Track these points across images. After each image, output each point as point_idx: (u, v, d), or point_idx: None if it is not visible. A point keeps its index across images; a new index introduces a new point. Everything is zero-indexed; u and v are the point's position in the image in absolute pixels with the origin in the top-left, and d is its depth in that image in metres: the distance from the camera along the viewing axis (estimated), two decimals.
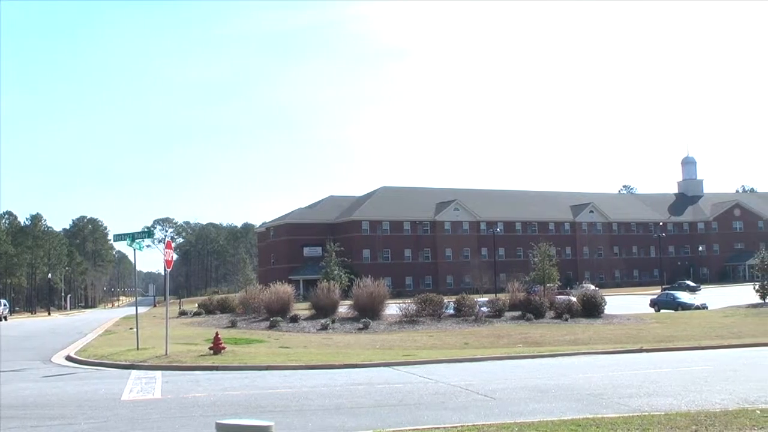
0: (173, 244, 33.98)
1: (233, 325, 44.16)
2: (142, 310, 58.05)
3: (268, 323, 42.76)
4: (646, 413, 14.75)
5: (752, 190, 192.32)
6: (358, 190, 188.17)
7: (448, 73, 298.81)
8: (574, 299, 48.86)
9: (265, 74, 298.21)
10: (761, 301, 57.14)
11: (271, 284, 48.95)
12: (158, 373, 23.24)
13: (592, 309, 46.49)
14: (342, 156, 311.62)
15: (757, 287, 59.78)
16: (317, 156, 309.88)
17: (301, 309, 47.56)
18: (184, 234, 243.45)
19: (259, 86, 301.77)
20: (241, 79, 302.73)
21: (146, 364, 25.49)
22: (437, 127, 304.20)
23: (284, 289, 46.92)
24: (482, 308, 45.98)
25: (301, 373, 23.52)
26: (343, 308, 46.96)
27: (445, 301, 47.20)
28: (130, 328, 41.09)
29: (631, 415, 14.58)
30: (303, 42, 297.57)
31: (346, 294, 52.20)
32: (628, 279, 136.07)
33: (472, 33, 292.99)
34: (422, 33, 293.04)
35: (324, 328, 41.18)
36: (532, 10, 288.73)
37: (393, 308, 46.15)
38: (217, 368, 24.64)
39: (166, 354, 27.48)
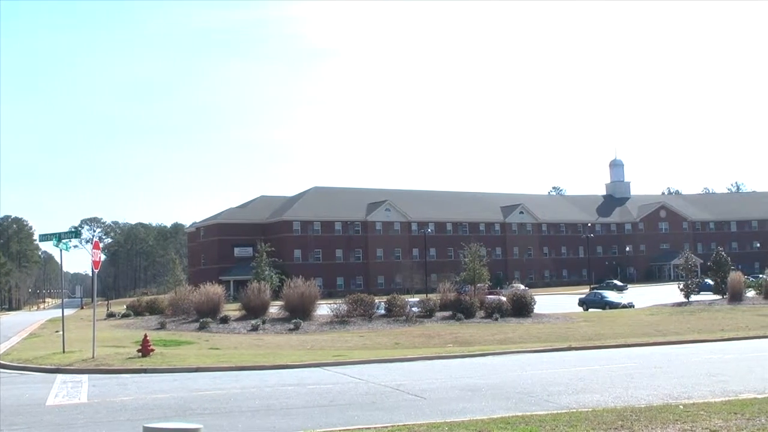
0: (101, 245, 33.40)
1: (162, 326, 43.63)
2: (68, 312, 57.09)
3: (198, 324, 42.34)
4: (574, 410, 15.01)
5: (677, 192, 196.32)
6: (290, 191, 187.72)
7: (379, 73, 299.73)
8: (504, 299, 49.31)
9: (196, 73, 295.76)
10: (685, 300, 58.43)
11: (201, 285, 48.41)
12: (85, 377, 22.85)
13: (521, 308, 46.98)
14: (273, 156, 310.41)
15: (681, 286, 61.19)
16: (249, 156, 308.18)
17: (232, 310, 47.20)
18: (112, 234, 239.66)
19: (189, 85, 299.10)
20: (171, 78, 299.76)
21: (72, 367, 25.03)
22: (369, 128, 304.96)
23: (214, 289, 46.49)
24: (413, 308, 46.11)
25: (232, 375, 23.36)
26: (274, 309, 46.71)
27: (376, 301, 47.25)
28: (57, 331, 40.30)
29: (559, 412, 14.81)
30: (234, 41, 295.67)
31: (277, 294, 51.90)
32: (558, 279, 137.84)
33: (402, 33, 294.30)
34: (352, 33, 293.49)
35: (254, 328, 40.92)
36: (459, 10, 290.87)
37: (324, 309, 46.06)
38: (145, 371, 24.34)
39: (93, 357, 27.02)
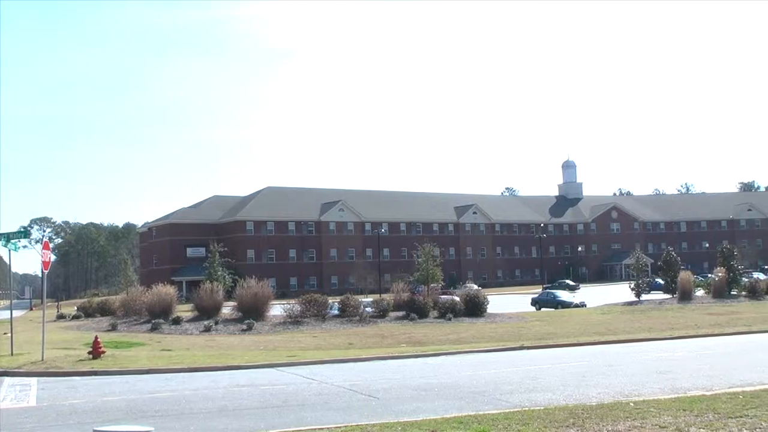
0: (51, 245, 33.01)
1: (114, 328, 43.11)
2: (17, 313, 56.10)
3: (149, 326, 41.93)
4: (527, 408, 15.12)
5: (629, 193, 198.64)
6: (243, 191, 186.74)
7: (334, 73, 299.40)
8: (457, 299, 49.49)
9: (149, 72, 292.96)
10: (636, 299, 59.14)
11: (153, 286, 47.97)
12: (33, 380, 22.51)
13: (475, 308, 47.18)
14: (227, 156, 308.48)
15: (632, 286, 61.94)
16: (202, 155, 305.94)
17: (184, 311, 46.85)
18: (62, 234, 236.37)
19: (143, 84, 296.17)
20: (123, 76, 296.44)
21: (21, 370, 24.59)
22: (323, 128, 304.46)
23: (166, 290, 46.10)
24: (367, 308, 46.11)
25: (184, 376, 23.18)
26: (227, 309, 46.44)
27: (330, 301, 47.20)
28: (4, 333, 39.53)
29: (512, 410, 14.91)
30: (188, 41, 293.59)
31: (230, 295, 51.59)
32: (511, 278, 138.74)
33: (357, 34, 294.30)
34: (307, 34, 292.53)
35: (207, 329, 40.63)
36: (414, 11, 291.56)
37: (277, 309, 45.91)
38: (96, 373, 24.04)
39: (43, 359, 26.63)
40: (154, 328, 41.16)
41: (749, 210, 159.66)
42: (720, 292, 59.36)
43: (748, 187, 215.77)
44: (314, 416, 15.38)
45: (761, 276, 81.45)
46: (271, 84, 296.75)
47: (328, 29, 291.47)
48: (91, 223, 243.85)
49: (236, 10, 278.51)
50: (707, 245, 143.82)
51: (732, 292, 60.25)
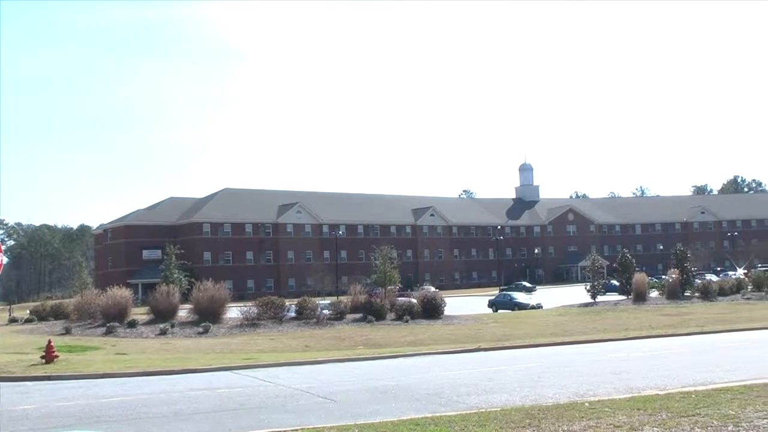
0: (3, 247, 32.48)
1: (68, 332, 42.54)
2: None
3: (104, 329, 41.49)
4: (483, 410, 15.20)
5: (585, 196, 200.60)
6: (200, 192, 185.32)
7: (291, 74, 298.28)
8: (414, 301, 49.60)
9: (103, 71, 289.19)
10: (592, 301, 59.75)
11: (108, 288, 47.48)
12: None
13: (432, 310, 47.33)
14: (183, 157, 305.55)
15: (588, 287, 62.55)
16: (157, 156, 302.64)
17: (140, 314, 46.46)
18: (15, 236, 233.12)
19: (96, 83, 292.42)
20: (77, 75, 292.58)
21: None
22: (281, 130, 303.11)
23: (122, 293, 45.65)
24: (324, 311, 46.08)
25: (139, 380, 22.98)
26: (183, 312, 46.15)
27: (287, 303, 47.11)
28: None
29: (468, 412, 14.98)
30: (143, 40, 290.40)
31: (186, 298, 51.23)
32: (468, 280, 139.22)
33: (313, 34, 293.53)
34: (265, 34, 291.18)
35: (163, 332, 40.33)
36: (368, 12, 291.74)
37: (234, 311, 45.70)
38: (49, 378, 23.74)
39: None
40: (109, 332, 40.74)
41: (702, 213, 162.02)
42: (674, 294, 60.20)
43: (701, 191, 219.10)
44: (271, 419, 15.33)
45: (714, 277, 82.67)
46: (228, 85, 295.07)
47: (285, 30, 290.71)
48: (45, 225, 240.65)
49: (191, 10, 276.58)
50: (661, 247, 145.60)
51: (685, 294, 61.11)
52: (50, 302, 67.89)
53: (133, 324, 42.43)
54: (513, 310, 61.79)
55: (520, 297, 68.95)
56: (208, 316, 43.56)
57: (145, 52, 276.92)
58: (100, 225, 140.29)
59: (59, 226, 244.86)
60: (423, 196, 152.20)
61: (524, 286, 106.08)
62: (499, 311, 62.14)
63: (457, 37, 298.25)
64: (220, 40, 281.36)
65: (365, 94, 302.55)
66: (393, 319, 46.01)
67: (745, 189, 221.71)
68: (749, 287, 64.75)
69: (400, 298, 52.00)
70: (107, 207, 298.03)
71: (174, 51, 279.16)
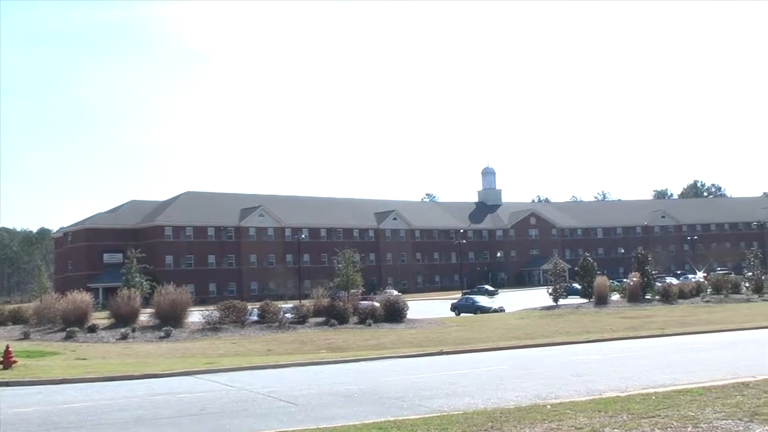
0: None
1: (26, 336, 41.94)
2: None
3: (64, 334, 40.96)
4: (446, 413, 15.23)
5: (547, 200, 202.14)
6: (162, 195, 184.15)
7: (253, 76, 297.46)
8: (377, 305, 49.58)
9: (62, 72, 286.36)
10: (554, 304, 60.07)
11: (68, 293, 46.91)
12: None
13: (394, 314, 47.34)
14: (145, 159, 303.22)
15: (550, 291, 62.90)
16: (119, 158, 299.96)
17: (101, 318, 45.96)
18: None
19: (56, 84, 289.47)
20: (36, 76, 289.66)
21: None
22: (243, 132, 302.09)
23: (82, 297, 45.14)
24: (286, 314, 45.93)
25: (99, 386, 22.74)
26: (145, 316, 45.71)
27: (249, 307, 46.86)
28: None
29: (431, 415, 15.00)
30: (103, 41, 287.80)
31: (147, 302, 50.81)
32: (430, 284, 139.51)
33: (277, 36, 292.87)
34: (225, 36, 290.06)
35: (124, 337, 39.95)
36: (330, 12, 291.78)
37: (196, 315, 45.36)
38: (7, 384, 23.39)
39: None
40: (69, 337, 40.26)
41: (663, 217, 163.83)
42: (635, 297, 60.73)
43: (661, 195, 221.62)
44: (233, 424, 15.27)
45: (674, 281, 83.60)
46: (190, 86, 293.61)
47: (247, 32, 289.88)
48: (4, 228, 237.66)
49: (153, 11, 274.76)
50: (623, 251, 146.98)
51: (646, 297, 61.68)
52: (8, 307, 66.94)
53: (93, 329, 41.98)
54: (475, 313, 61.95)
55: (482, 300, 69.19)
56: (169, 320, 43.22)
57: (106, 53, 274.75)
58: (61, 228, 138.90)
59: (18, 229, 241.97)
60: (386, 200, 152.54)
61: (486, 289, 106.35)
62: (462, 315, 62.27)
63: (419, 42, 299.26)
64: (181, 42, 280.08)
65: (328, 98, 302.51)
66: (356, 323, 45.96)
67: (705, 193, 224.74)
68: (709, 290, 65.57)
69: (362, 302, 51.93)
70: (68, 210, 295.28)
71: (135, 53, 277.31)
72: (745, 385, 17.41)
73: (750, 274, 71.71)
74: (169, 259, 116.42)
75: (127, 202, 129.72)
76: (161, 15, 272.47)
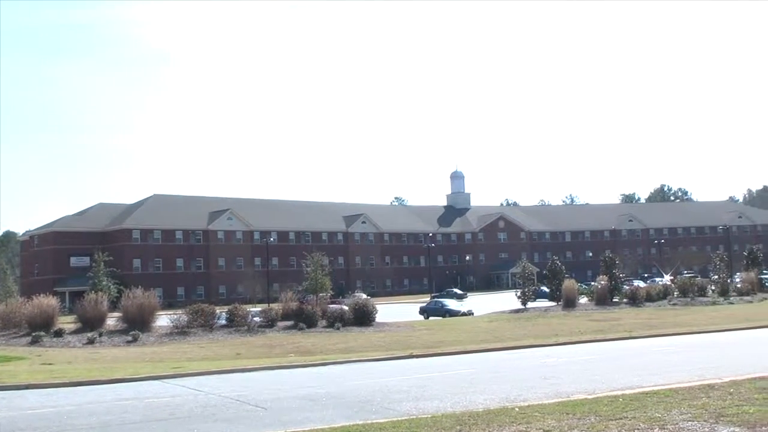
0: None
1: None
2: None
3: (29, 339, 40.48)
4: (414, 416, 15.23)
5: (515, 204, 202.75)
6: (130, 198, 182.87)
7: (221, 79, 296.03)
8: (346, 308, 49.57)
9: (27, 74, 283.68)
10: (522, 307, 60.26)
11: (34, 297, 46.42)
12: None
13: (363, 317, 47.32)
14: (112, 162, 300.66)
15: (518, 294, 63.07)
16: (86, 161, 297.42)
17: (67, 322, 45.49)
18: None
19: (21, 86, 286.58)
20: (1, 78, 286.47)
21: None
22: (211, 135, 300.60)
23: (48, 301, 44.67)
24: (255, 318, 45.78)
25: (65, 391, 22.51)
26: (112, 321, 45.37)
27: (218, 311, 46.63)
28: None
29: (400, 419, 14.99)
30: (69, 42, 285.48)
31: (115, 306, 50.41)
32: (399, 288, 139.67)
33: (245, 38, 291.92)
34: (191, 38, 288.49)
35: (91, 342, 39.59)
36: (297, 13, 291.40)
37: (164, 320, 45.10)
38: None
39: None
40: (35, 341, 39.81)
41: (630, 221, 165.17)
42: (602, 300, 61.08)
43: (629, 199, 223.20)
44: (201, 428, 15.21)
45: (641, 284, 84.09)
46: (158, 88, 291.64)
47: (213, 33, 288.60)
48: None
49: (117, 12, 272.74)
50: (591, 254, 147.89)
51: (614, 300, 62.04)
52: None
53: (59, 333, 41.56)
54: (444, 317, 62.08)
55: (451, 304, 69.38)
56: (137, 324, 42.92)
57: (70, 54, 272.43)
58: (27, 231, 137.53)
59: None
60: (354, 203, 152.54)
61: (455, 293, 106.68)
62: (431, 318, 62.40)
63: (388, 45, 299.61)
64: (149, 43, 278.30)
65: (297, 101, 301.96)
66: (324, 327, 45.88)
67: (672, 198, 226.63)
68: (675, 293, 66.17)
69: (331, 306, 51.91)
70: (34, 213, 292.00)
71: (100, 54, 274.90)
72: (711, 386, 17.57)
73: (716, 277, 72.60)
74: (136, 262, 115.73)
75: (95, 205, 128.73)
76: (128, 16, 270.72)
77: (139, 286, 47.03)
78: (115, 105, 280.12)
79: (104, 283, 61.26)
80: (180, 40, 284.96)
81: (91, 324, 43.41)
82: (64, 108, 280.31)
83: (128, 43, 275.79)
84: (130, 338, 40.36)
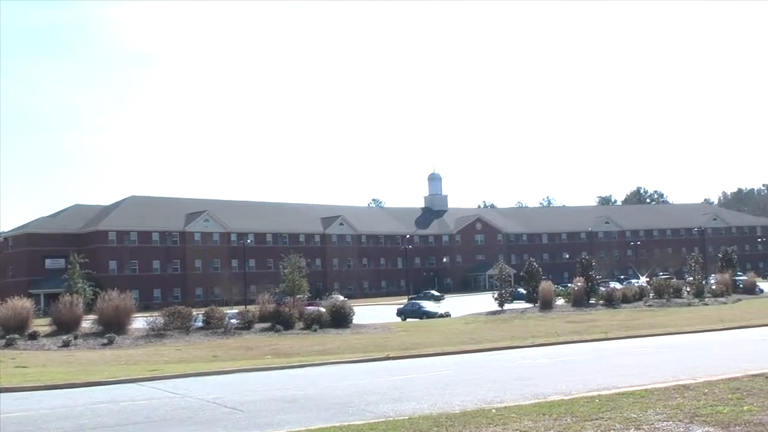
0: None
1: None
2: None
3: (3, 342, 40.03)
4: (391, 418, 15.22)
5: (492, 206, 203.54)
6: (106, 199, 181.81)
7: (197, 81, 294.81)
8: (323, 310, 49.52)
9: (3, 73, 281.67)
10: (499, 309, 60.40)
11: (8, 299, 46.03)
12: None
13: (340, 319, 47.26)
14: (88, 163, 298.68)
15: (495, 296, 63.24)
16: (62, 162, 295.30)
17: (42, 325, 45.13)
18: None
19: None
20: None
21: None
22: (188, 137, 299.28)
23: (22, 303, 44.27)
24: (232, 320, 45.62)
25: (40, 395, 22.31)
26: (88, 323, 45.01)
27: (194, 313, 46.41)
28: None
29: (376, 421, 14.98)
30: (45, 42, 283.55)
31: (90, 308, 50.09)
32: (377, 289, 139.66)
33: (222, 40, 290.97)
34: (170, 39, 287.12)
35: (66, 344, 39.27)
36: (278, 15, 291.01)
37: (140, 322, 44.87)
38: None
39: None
40: (9, 344, 39.44)
41: (607, 223, 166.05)
42: (579, 301, 61.29)
43: (605, 201, 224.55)
44: (177, 431, 15.10)
45: (617, 285, 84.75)
46: (134, 90, 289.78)
47: (191, 34, 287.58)
48: None
49: (95, 11, 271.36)
50: (567, 256, 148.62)
51: (590, 301, 62.29)
52: None
53: (34, 336, 41.19)
54: (422, 318, 62.13)
55: (428, 306, 69.42)
56: (113, 327, 42.63)
57: (47, 54, 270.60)
58: (1, 233, 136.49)
59: None
60: (332, 205, 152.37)
61: (433, 294, 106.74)
62: (408, 320, 62.40)
63: (365, 47, 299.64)
64: (125, 43, 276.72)
65: (274, 103, 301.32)
66: (301, 329, 45.80)
67: (648, 200, 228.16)
68: (651, 294, 66.47)
69: (308, 307, 51.86)
70: (8, 214, 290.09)
71: (78, 54, 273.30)
72: (686, 387, 17.68)
73: (691, 278, 73.14)
74: (112, 264, 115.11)
75: (71, 207, 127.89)
76: (106, 17, 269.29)
77: (115, 288, 46.72)
78: (92, 106, 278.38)
79: (80, 285, 61.05)
80: (158, 42, 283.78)
81: (66, 326, 43.06)
82: (40, 108, 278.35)
83: (106, 44, 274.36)
84: (105, 341, 40.09)
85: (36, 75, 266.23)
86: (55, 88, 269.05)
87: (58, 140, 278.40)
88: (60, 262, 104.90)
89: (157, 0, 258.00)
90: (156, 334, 42.68)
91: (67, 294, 48.70)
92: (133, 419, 16.95)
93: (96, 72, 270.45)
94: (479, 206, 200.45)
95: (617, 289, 68.82)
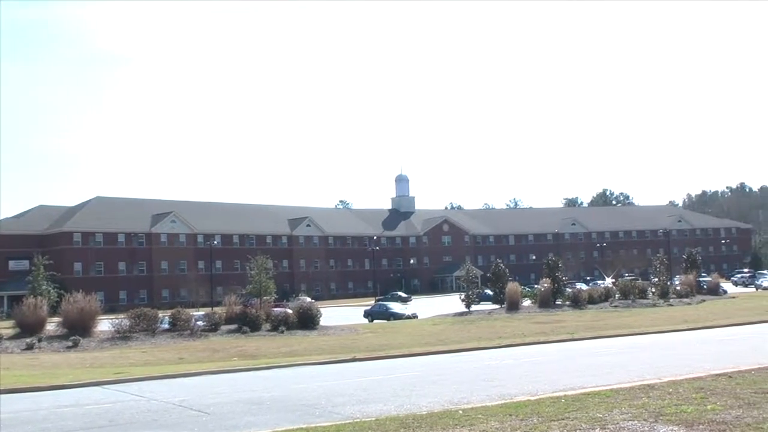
0: None
1: None
2: None
3: None
4: (358, 420, 15.21)
5: (459, 208, 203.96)
6: (71, 200, 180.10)
7: (165, 81, 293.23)
8: (290, 311, 49.40)
9: None
10: (466, 310, 60.55)
11: None
12: None
13: (307, 321, 47.20)
14: (54, 163, 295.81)
15: (462, 297, 63.34)
16: (25, 163, 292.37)
17: (5, 327, 44.66)
18: None
19: None
20: None
21: None
22: (153, 138, 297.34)
23: None
24: (198, 322, 45.43)
25: (2, 398, 21.99)
26: (52, 326, 44.60)
27: (161, 315, 46.15)
28: None
29: (343, 422, 14.96)
30: (12, 42, 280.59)
31: (55, 310, 49.68)
32: (344, 291, 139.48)
33: (193, 41, 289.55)
34: (138, 39, 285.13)
35: (29, 347, 38.87)
36: (250, 16, 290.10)
37: (106, 324, 44.49)
38: None
39: None
40: None
41: (573, 224, 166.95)
42: (546, 302, 61.59)
43: (572, 203, 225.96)
44: None
45: (584, 286, 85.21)
46: (99, 91, 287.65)
47: (159, 35, 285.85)
48: None
49: (65, 12, 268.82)
50: (534, 257, 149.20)
51: (557, 302, 62.61)
52: None
53: None
54: (389, 320, 62.15)
55: (395, 307, 69.43)
56: (78, 329, 42.25)
57: (14, 55, 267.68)
58: None
59: None
60: (299, 207, 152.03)
61: (400, 296, 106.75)
62: (375, 321, 62.39)
63: (332, 48, 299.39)
64: (94, 44, 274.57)
65: (240, 102, 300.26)
66: (268, 330, 45.69)
67: (614, 202, 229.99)
68: (617, 295, 66.97)
69: (275, 309, 51.68)
70: None
71: (46, 55, 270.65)
72: (651, 386, 17.82)
73: (656, 279, 73.73)
74: (77, 266, 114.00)
75: (35, 207, 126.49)
76: (71, 16, 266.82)
77: (80, 290, 46.28)
78: (57, 106, 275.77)
79: (44, 287, 60.48)
80: (125, 42, 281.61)
81: (30, 329, 42.60)
82: (5, 108, 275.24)
83: (75, 45, 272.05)
84: (70, 343, 39.73)
85: (1, 75, 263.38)
86: (21, 89, 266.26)
87: (23, 141, 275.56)
88: (24, 264, 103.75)
89: (126, 0, 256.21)
90: (121, 336, 42.37)
91: (31, 296, 48.27)
92: (98, 423, 16.82)
93: (61, 72, 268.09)
94: (446, 208, 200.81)
95: (583, 290, 69.21)
